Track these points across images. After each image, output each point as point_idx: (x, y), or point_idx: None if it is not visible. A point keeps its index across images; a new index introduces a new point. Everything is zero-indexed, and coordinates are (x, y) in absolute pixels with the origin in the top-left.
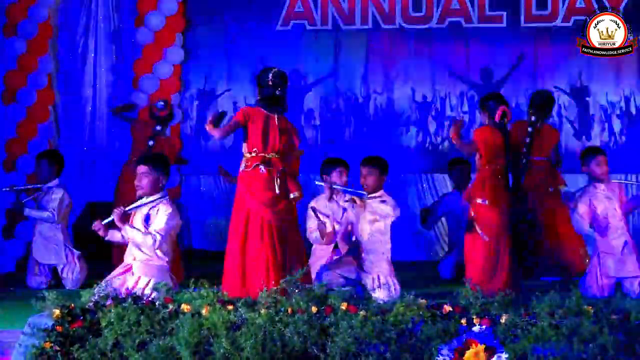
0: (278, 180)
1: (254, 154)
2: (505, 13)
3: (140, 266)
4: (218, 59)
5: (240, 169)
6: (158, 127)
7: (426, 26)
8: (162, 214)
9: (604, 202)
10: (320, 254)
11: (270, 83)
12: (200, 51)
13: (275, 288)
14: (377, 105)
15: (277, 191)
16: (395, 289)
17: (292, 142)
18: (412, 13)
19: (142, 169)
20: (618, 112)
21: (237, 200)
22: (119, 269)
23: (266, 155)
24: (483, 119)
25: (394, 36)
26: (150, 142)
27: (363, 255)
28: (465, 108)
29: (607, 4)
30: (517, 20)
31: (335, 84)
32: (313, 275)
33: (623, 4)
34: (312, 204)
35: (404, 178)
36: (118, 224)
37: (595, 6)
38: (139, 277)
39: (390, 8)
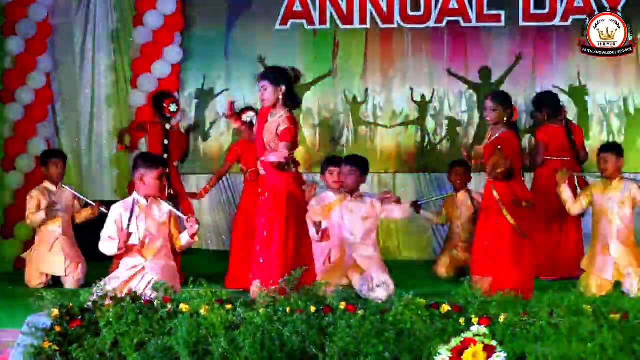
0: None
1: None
2: (503, 12)
3: (155, 269)
4: (217, 58)
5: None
6: (168, 126)
7: (424, 25)
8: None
9: (604, 199)
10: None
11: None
12: (199, 50)
13: (273, 287)
14: (375, 104)
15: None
16: (390, 288)
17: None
18: (411, 12)
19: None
20: (616, 111)
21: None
22: (124, 271)
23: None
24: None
25: (392, 36)
26: (165, 141)
27: (356, 255)
28: (464, 107)
29: (606, 3)
30: (516, 20)
31: (333, 83)
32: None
33: (621, 3)
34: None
35: (402, 177)
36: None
37: (594, 5)
38: (152, 280)
39: (388, 7)
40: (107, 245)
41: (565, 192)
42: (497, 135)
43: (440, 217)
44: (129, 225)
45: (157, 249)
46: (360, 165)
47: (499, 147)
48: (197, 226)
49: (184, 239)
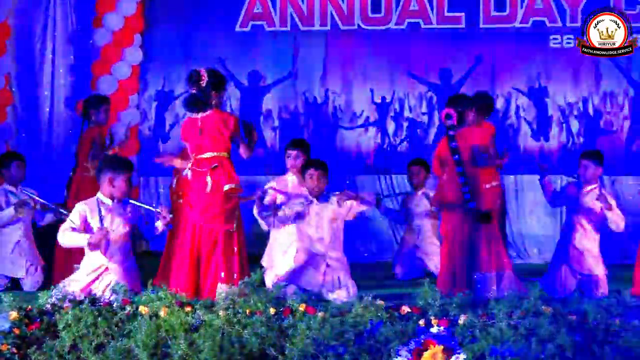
0: (209, 179)
1: (192, 159)
2: (464, 14)
3: (117, 270)
4: (177, 59)
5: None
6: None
7: (385, 27)
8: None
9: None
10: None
11: (187, 83)
12: (159, 52)
13: (233, 289)
14: (335, 106)
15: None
16: (353, 290)
17: (220, 137)
18: (371, 14)
19: None
20: (576, 113)
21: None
22: (85, 273)
23: (201, 156)
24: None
25: (352, 37)
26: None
27: (324, 257)
28: (424, 109)
29: (565, 5)
30: (476, 22)
31: (294, 85)
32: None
33: (582, 5)
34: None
35: (362, 179)
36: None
37: (554, 8)
38: (112, 281)
39: (349, 9)
40: (72, 236)
41: None
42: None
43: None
44: (101, 224)
45: (120, 249)
46: (325, 168)
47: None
48: (170, 215)
49: (157, 227)
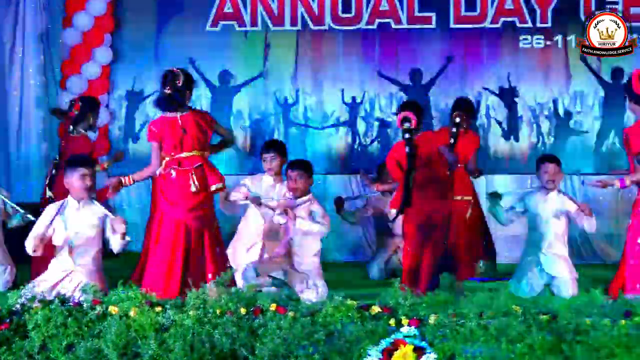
0: (192, 179)
1: (169, 158)
2: (434, 14)
3: (83, 272)
4: (147, 59)
5: (157, 172)
6: (70, 127)
7: (355, 27)
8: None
9: (540, 208)
10: (248, 237)
11: (162, 85)
12: (129, 52)
13: (203, 289)
14: (306, 106)
15: (194, 189)
16: (322, 291)
17: (203, 135)
18: (342, 14)
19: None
20: (546, 113)
21: (152, 204)
22: (53, 274)
23: (180, 155)
24: None
25: (323, 37)
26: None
27: (294, 254)
28: (394, 109)
29: (535, 5)
30: (447, 22)
31: (264, 85)
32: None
33: (552, 6)
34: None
35: (332, 179)
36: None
37: (524, 8)
38: (80, 282)
39: (319, 9)
40: (28, 243)
41: None
42: None
43: (355, 216)
44: (47, 227)
45: (86, 252)
46: (307, 168)
47: None
48: (123, 225)
49: (115, 242)
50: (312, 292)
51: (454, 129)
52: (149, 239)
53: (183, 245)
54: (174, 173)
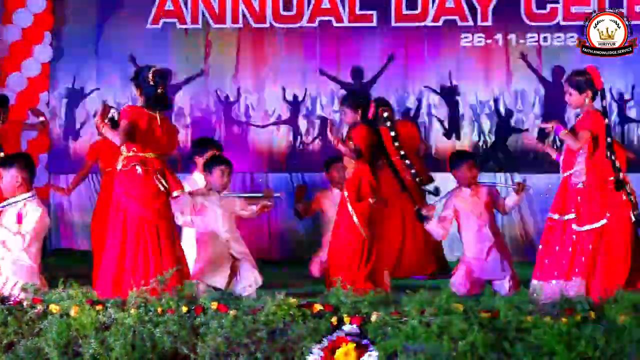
0: (158, 180)
1: (131, 154)
2: (375, 12)
3: (9, 267)
4: (87, 57)
5: (118, 168)
6: None
7: (297, 25)
8: (32, 214)
9: (469, 206)
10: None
11: (152, 82)
12: (70, 49)
13: (144, 287)
14: (247, 104)
15: (157, 190)
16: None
17: (174, 141)
18: (283, 12)
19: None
20: (487, 111)
21: (114, 201)
22: None
23: (145, 155)
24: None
25: (264, 35)
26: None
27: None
28: (336, 107)
29: (476, 4)
30: (388, 20)
31: (205, 82)
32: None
33: (492, 4)
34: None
35: (274, 177)
36: None
37: (465, 7)
38: (7, 278)
39: (260, 7)
40: None
41: None
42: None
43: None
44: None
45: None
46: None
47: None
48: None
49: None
50: (249, 281)
51: (388, 123)
52: (112, 236)
53: (151, 243)
54: (139, 169)
